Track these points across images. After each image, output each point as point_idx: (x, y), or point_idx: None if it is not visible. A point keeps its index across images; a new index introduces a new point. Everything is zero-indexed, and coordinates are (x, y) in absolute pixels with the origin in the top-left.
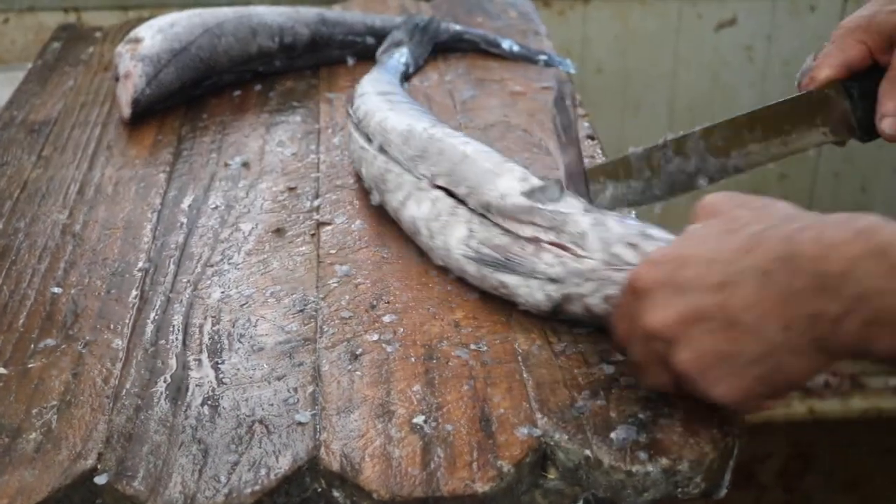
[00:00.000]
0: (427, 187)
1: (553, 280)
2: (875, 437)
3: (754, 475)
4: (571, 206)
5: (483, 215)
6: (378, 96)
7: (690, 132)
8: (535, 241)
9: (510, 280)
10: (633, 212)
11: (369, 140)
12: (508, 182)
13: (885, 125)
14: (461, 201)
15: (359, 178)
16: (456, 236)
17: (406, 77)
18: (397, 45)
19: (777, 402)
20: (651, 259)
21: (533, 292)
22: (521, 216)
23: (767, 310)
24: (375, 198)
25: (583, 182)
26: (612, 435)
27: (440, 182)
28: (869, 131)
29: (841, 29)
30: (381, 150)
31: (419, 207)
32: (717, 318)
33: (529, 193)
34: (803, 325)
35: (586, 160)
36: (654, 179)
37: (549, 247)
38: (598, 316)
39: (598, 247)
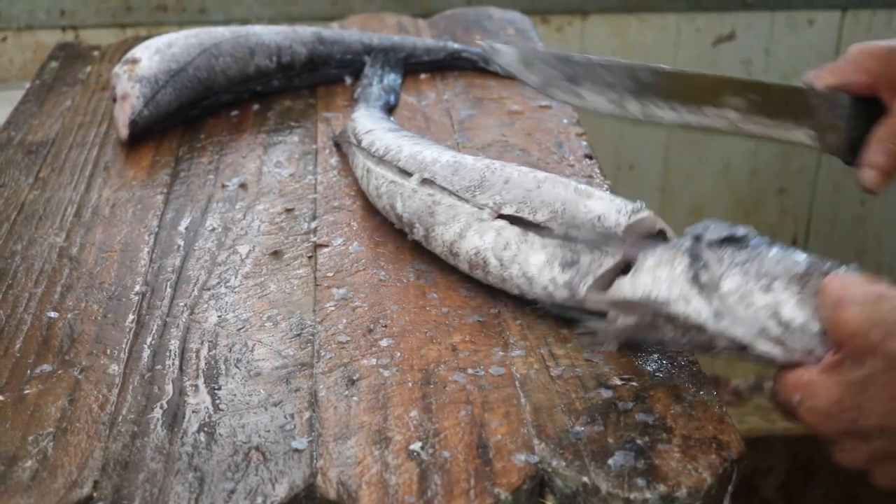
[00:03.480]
0: (488, 217)
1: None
2: None
3: (756, 489)
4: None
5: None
6: (391, 133)
7: (677, 70)
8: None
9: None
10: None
11: (404, 173)
12: (604, 206)
13: (865, 176)
14: (533, 227)
15: (359, 199)
16: (534, 263)
17: (390, 110)
18: (370, 85)
19: None
20: (825, 408)
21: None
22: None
23: None
24: (419, 231)
25: None
26: (610, 461)
27: (507, 210)
28: (851, 157)
29: (855, 50)
30: (425, 182)
31: (482, 238)
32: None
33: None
34: None
35: (584, 180)
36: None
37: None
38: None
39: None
